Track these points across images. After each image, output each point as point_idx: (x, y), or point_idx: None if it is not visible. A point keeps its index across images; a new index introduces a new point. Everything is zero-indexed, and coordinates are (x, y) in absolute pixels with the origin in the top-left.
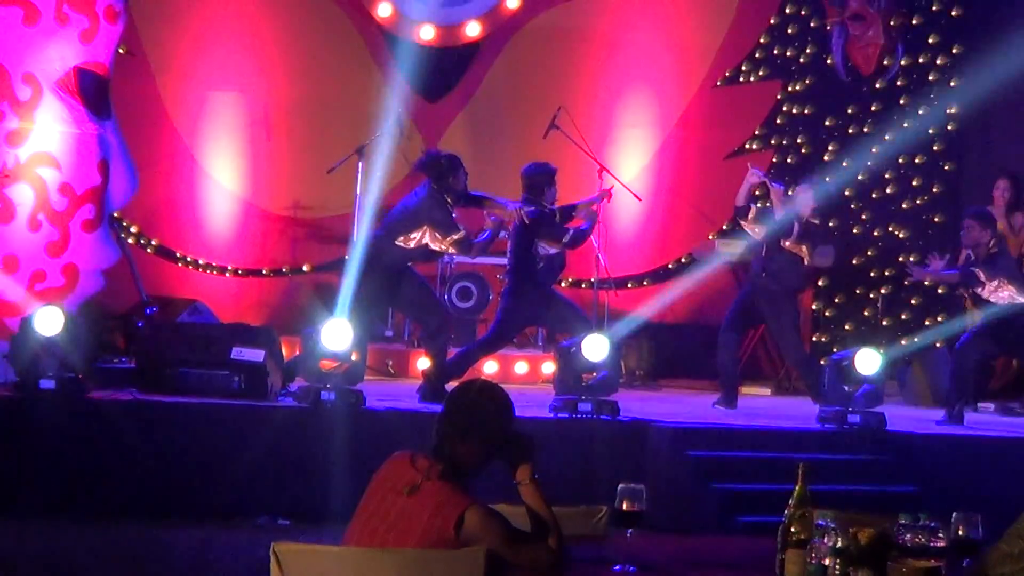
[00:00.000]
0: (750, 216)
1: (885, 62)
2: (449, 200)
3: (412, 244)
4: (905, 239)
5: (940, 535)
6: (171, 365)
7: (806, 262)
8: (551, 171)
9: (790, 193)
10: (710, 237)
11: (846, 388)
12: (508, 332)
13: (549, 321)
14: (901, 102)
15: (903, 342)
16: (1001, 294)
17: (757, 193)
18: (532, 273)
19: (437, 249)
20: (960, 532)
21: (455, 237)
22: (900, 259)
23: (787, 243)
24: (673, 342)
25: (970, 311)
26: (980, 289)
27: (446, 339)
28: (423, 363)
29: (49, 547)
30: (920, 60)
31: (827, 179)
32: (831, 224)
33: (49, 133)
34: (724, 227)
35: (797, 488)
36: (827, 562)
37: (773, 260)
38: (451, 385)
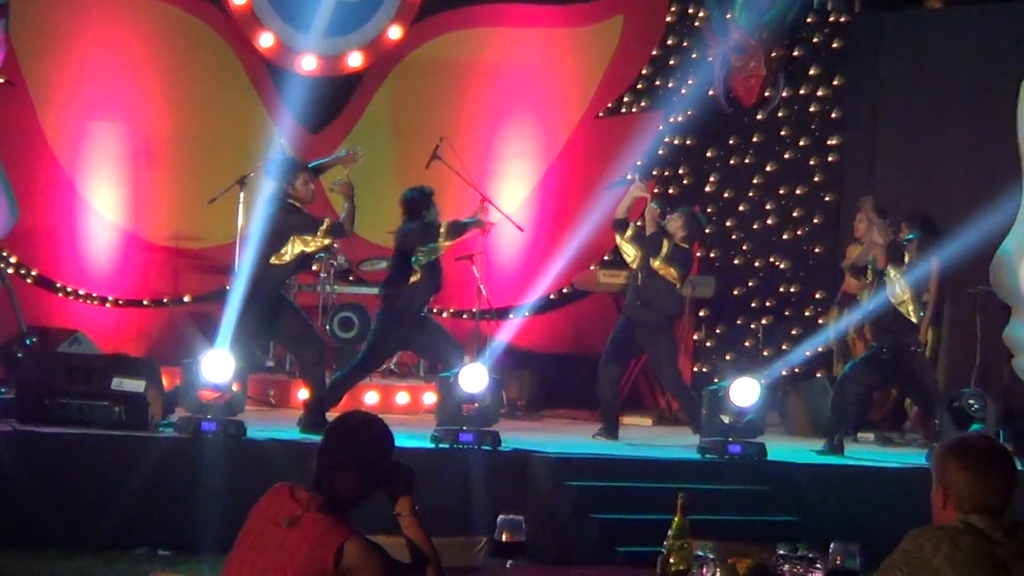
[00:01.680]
0: (628, 233)
1: (767, 94)
2: (298, 203)
3: (287, 258)
4: (786, 270)
5: (818, 565)
6: (51, 396)
7: (678, 287)
8: (427, 192)
9: (664, 217)
10: (592, 268)
11: (724, 419)
12: (379, 354)
13: (421, 346)
14: (782, 133)
15: (782, 371)
16: (887, 294)
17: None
18: (405, 295)
19: (314, 249)
20: (838, 562)
21: (324, 227)
22: (780, 290)
23: (655, 263)
24: (554, 373)
25: (833, 317)
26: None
27: (323, 369)
28: (304, 393)
29: None
30: (801, 91)
31: (707, 209)
32: (712, 255)
33: None
34: (606, 257)
35: (676, 519)
36: None
37: (647, 288)
38: (331, 414)
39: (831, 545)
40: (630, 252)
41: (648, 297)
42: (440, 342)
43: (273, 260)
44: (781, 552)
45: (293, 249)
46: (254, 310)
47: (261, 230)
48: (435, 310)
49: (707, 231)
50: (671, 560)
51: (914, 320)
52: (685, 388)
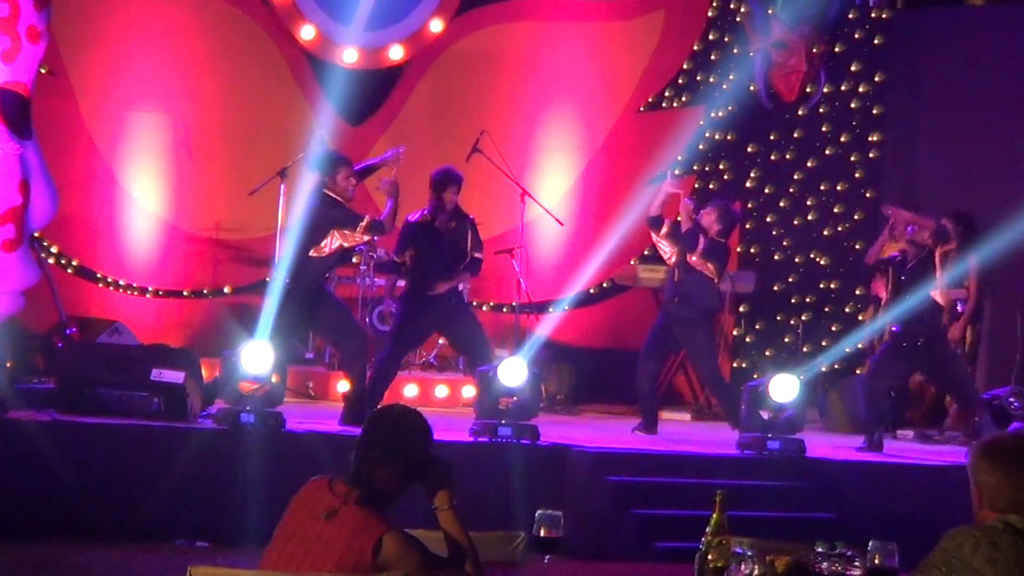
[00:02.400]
0: (663, 230)
1: (808, 89)
2: (340, 199)
3: (327, 251)
4: (826, 266)
5: (856, 563)
6: (90, 386)
7: (716, 282)
8: (446, 173)
9: (698, 212)
10: (631, 263)
11: (763, 415)
12: (408, 339)
13: (454, 333)
14: (823, 129)
15: (821, 368)
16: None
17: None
18: (427, 279)
19: (352, 244)
20: (876, 561)
21: (363, 225)
22: (820, 286)
23: (693, 259)
24: (594, 367)
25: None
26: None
27: (364, 362)
28: (343, 385)
29: None
30: (843, 88)
31: (747, 205)
32: (752, 251)
33: None
34: (645, 253)
35: (714, 516)
36: None
37: (684, 284)
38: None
39: (869, 543)
40: (666, 248)
41: (686, 292)
42: (474, 334)
43: (313, 253)
44: (819, 549)
45: (332, 243)
46: (294, 302)
47: (302, 222)
48: (474, 303)
49: (747, 226)
50: (709, 557)
51: (941, 303)
52: (723, 383)
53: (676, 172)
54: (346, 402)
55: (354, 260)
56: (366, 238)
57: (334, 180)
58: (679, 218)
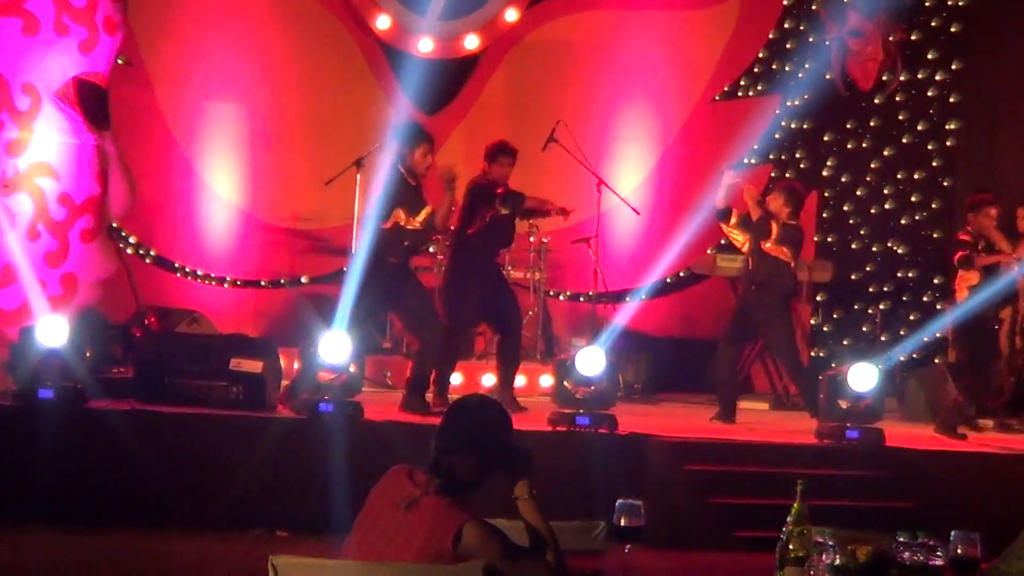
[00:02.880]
0: (732, 220)
1: (884, 78)
2: (410, 177)
3: (389, 225)
4: (904, 255)
5: (939, 553)
6: (169, 375)
7: (792, 266)
8: (497, 145)
9: (764, 198)
10: (709, 252)
11: (842, 404)
12: (459, 313)
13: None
14: (900, 118)
15: (900, 357)
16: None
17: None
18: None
19: (410, 228)
20: (959, 550)
21: (422, 216)
22: (898, 275)
23: (767, 245)
24: (671, 356)
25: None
26: None
27: (437, 353)
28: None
29: (47, 556)
30: (919, 76)
31: (824, 194)
32: (829, 240)
33: (48, 143)
34: (722, 241)
35: (795, 505)
36: None
37: (760, 271)
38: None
39: (952, 533)
40: (739, 238)
41: (762, 280)
42: (510, 307)
43: (384, 225)
44: (901, 539)
45: (395, 220)
46: (378, 279)
47: (379, 192)
48: (551, 292)
49: (824, 215)
50: (791, 546)
51: None
52: (803, 370)
53: (746, 161)
54: (408, 389)
55: (431, 250)
56: (419, 228)
57: (412, 155)
58: (746, 209)
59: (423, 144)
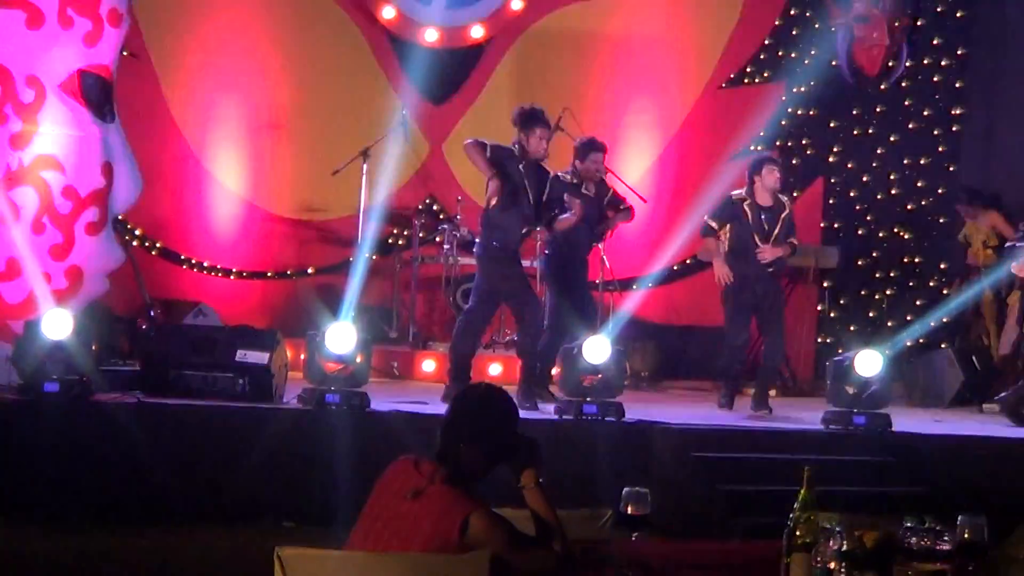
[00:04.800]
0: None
1: (890, 64)
2: (519, 155)
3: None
4: (910, 240)
5: (946, 538)
6: (175, 368)
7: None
8: (585, 142)
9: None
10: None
11: (848, 390)
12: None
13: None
14: (906, 104)
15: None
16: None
17: None
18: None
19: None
20: (966, 535)
21: (495, 186)
22: (904, 260)
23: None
24: (677, 343)
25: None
26: None
27: (535, 337)
28: (428, 365)
29: (53, 550)
30: (925, 62)
31: (830, 180)
32: (835, 226)
33: (53, 136)
34: None
35: (802, 492)
36: (832, 565)
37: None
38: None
39: (958, 518)
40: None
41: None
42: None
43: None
44: (908, 524)
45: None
46: (491, 266)
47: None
48: None
49: (830, 201)
50: (798, 532)
51: None
52: (782, 350)
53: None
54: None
55: (437, 240)
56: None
57: (527, 137)
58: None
59: (539, 128)
